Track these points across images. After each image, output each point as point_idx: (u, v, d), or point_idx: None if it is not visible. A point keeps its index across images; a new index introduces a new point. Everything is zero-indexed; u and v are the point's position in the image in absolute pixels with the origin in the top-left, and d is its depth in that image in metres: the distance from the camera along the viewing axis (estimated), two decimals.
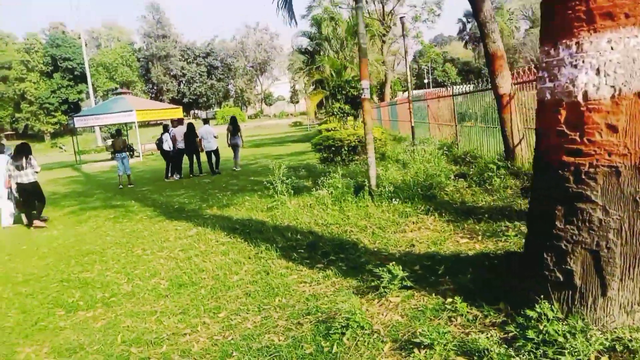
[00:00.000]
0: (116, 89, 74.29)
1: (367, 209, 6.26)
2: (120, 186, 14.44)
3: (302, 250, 5.15)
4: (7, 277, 6.13)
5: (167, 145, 14.78)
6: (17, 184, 9.61)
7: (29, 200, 9.82)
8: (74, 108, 73.77)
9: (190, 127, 14.86)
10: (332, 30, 22.83)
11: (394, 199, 6.30)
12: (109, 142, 50.10)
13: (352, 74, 17.52)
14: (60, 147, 67.05)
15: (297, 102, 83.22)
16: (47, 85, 70.07)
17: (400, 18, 15.53)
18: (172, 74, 78.33)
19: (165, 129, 15.28)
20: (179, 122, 15.57)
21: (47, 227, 9.41)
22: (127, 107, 25.96)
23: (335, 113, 15.18)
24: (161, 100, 68.03)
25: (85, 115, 26.26)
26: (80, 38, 78.81)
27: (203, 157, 15.37)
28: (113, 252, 6.64)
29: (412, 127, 11.66)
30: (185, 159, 15.33)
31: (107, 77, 74.39)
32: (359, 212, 6.19)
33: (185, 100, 77.91)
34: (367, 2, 30.52)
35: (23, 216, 10.13)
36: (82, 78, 71.46)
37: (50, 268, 6.31)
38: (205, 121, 15.96)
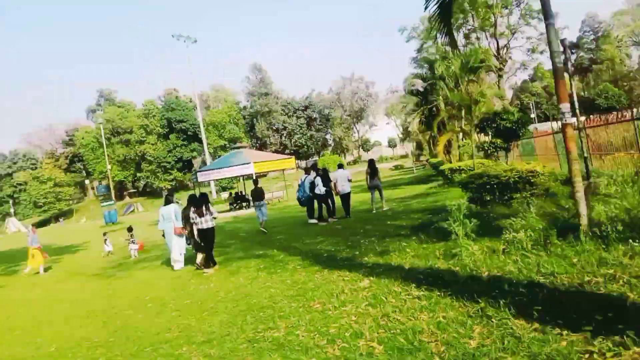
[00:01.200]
0: (224, 145, 79.10)
1: (595, 253, 5.15)
2: (263, 230, 15.04)
3: (540, 307, 4.17)
4: (187, 337, 5.79)
5: (319, 190, 14.72)
6: (198, 229, 10.33)
7: (208, 245, 10.39)
8: (187, 165, 79.41)
9: (325, 172, 14.98)
10: (445, 69, 22.08)
11: (631, 239, 5.09)
12: (223, 195, 53.01)
13: (483, 108, 16.54)
14: (177, 202, 71.81)
15: (395, 146, 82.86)
16: (163, 146, 76.18)
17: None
18: (274, 127, 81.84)
19: (317, 172, 15.23)
20: (314, 167, 15.53)
21: (203, 279, 9.31)
22: (245, 159, 26.88)
23: (486, 148, 14.16)
24: None
25: (207, 170, 27.59)
26: (191, 101, 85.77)
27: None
28: (288, 307, 6.11)
29: (586, 158, 10.22)
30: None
31: (216, 134, 79.29)
32: (586, 257, 5.09)
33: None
34: (478, 38, 29.81)
35: (199, 255, 10.59)
36: (194, 137, 77.02)
37: (228, 325, 5.89)
38: (340, 166, 15.85)
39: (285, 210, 24.36)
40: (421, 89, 25.05)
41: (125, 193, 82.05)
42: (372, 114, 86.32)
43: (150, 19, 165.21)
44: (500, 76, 30.57)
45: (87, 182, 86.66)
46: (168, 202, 11.68)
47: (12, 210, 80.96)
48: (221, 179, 38.20)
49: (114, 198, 52.23)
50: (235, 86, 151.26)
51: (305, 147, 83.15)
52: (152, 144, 75.69)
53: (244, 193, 32.86)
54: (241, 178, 32.38)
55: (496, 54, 30.99)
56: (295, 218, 18.77)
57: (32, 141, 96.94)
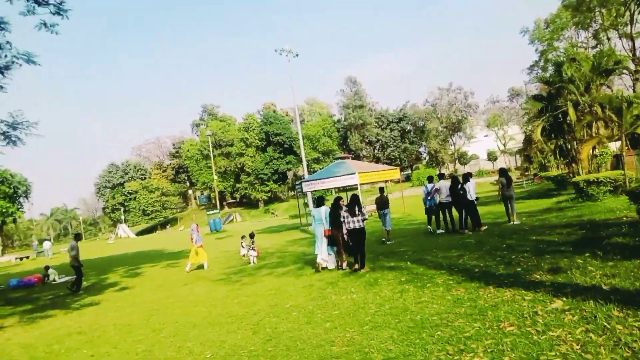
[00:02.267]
0: (318, 158, 79.95)
1: None
2: (383, 239, 14.82)
3: None
4: (359, 352, 5.15)
5: (469, 195, 13.93)
6: (348, 229, 10.50)
7: (358, 244, 10.40)
8: (282, 177, 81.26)
9: (455, 180, 14.13)
10: (575, 71, 20.08)
11: None
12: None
13: (636, 111, 14.59)
14: (272, 213, 73.51)
15: (495, 159, 78.56)
16: (261, 158, 78.54)
17: None
18: (367, 140, 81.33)
19: (466, 178, 14.39)
20: (468, 176, 14.61)
21: (340, 289, 8.73)
22: (350, 170, 26.42)
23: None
24: None
25: (312, 180, 27.47)
26: (287, 115, 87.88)
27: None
28: (470, 327, 5.27)
29: None
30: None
31: (310, 147, 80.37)
32: None
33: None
34: (608, 38, 27.09)
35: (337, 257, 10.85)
36: (289, 150, 78.70)
37: (402, 343, 5.17)
38: (468, 175, 14.79)
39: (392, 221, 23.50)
40: (544, 94, 23.09)
41: (224, 203, 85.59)
42: (470, 125, 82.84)
43: (247, 36, 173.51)
44: (636, 79, 27.44)
45: (190, 192, 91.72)
46: (320, 204, 11.68)
47: (122, 217, 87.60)
48: (323, 190, 37.95)
49: (218, 207, 54.23)
50: (329, 99, 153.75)
51: (399, 159, 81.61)
52: (251, 157, 78.37)
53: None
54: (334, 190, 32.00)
55: (632, 55, 27.90)
56: (408, 230, 17.89)
57: (142, 153, 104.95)
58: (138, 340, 7.47)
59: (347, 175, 26.17)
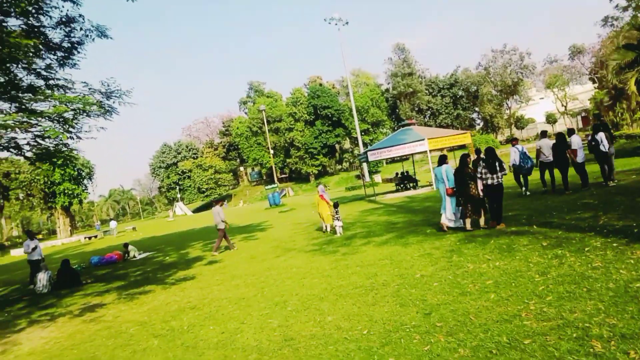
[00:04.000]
0: (367, 130, 78.46)
1: None
2: None
3: None
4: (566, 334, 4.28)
5: (603, 147, 12.74)
6: (485, 185, 10.07)
7: (496, 201, 10.14)
8: (331, 151, 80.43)
9: (561, 137, 12.80)
10: None
11: None
12: (377, 177, 52.31)
13: None
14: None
15: (555, 121, 74.59)
16: (310, 132, 77.79)
17: None
18: (418, 108, 78.98)
19: (596, 128, 13.14)
20: (598, 127, 13.35)
21: (470, 257, 7.83)
22: (418, 136, 25.23)
23: None
24: None
25: (378, 149, 26.41)
26: (334, 87, 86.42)
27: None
28: None
29: None
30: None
31: (359, 119, 78.84)
32: None
33: None
34: None
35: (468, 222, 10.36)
36: (338, 123, 77.52)
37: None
38: (571, 131, 13.44)
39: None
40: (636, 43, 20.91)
41: (275, 178, 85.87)
42: (526, 88, 78.71)
43: (291, 9, 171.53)
44: None
45: (241, 168, 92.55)
46: (441, 162, 11.06)
47: (178, 195, 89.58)
48: (389, 158, 36.75)
49: (276, 181, 54.15)
50: (376, 69, 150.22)
51: (451, 127, 78.86)
52: (300, 131, 77.75)
53: (408, 173, 31.29)
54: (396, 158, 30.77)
55: None
56: None
57: (192, 133, 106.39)
58: (265, 314, 6.87)
59: (415, 142, 25.03)
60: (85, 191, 50.60)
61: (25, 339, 8.22)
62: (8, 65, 7.37)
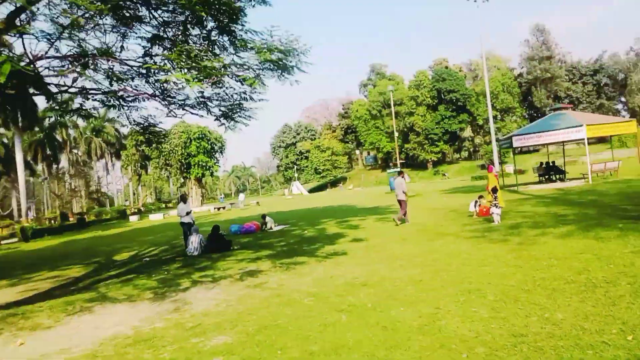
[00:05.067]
0: (495, 117, 73.60)
1: None
2: None
3: None
4: None
5: None
6: None
7: None
8: (453, 137, 76.88)
9: None
10: None
11: None
12: (507, 168, 48.67)
13: None
14: (443, 175, 70.29)
15: None
16: (432, 117, 75.01)
17: None
18: (554, 96, 72.32)
19: None
20: None
21: None
22: (574, 122, 22.46)
23: None
24: None
25: (525, 134, 24.07)
26: (461, 70, 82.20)
27: None
28: None
29: None
30: None
31: (487, 105, 74.31)
32: None
33: None
34: None
35: None
36: (462, 108, 73.72)
37: None
38: None
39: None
40: None
41: (390, 163, 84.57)
42: None
43: None
44: None
45: (357, 152, 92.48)
46: None
47: (295, 175, 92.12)
48: (540, 145, 33.54)
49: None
50: (507, 52, 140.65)
51: None
52: (421, 116, 75.33)
53: (555, 163, 28.31)
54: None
55: None
56: None
57: (310, 115, 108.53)
58: (462, 301, 5.99)
59: (570, 128, 22.31)
60: (216, 164, 53.77)
61: (193, 299, 8.22)
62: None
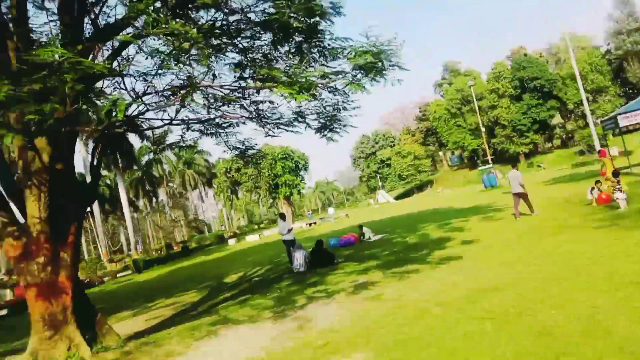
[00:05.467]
0: (587, 99, 68.28)
1: None
2: None
3: None
4: None
5: None
6: None
7: None
8: (543, 127, 72.32)
9: None
10: None
11: None
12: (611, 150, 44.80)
13: None
14: (539, 166, 66.18)
15: None
16: (517, 108, 71.22)
17: None
18: None
19: None
20: None
21: None
22: None
23: None
24: None
25: (633, 111, 21.78)
26: (541, 56, 77.54)
27: None
28: None
29: None
30: None
31: (575, 88, 69.22)
32: None
33: None
34: None
35: None
36: (549, 95, 69.30)
37: None
38: None
39: None
40: None
41: (478, 161, 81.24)
42: None
43: None
44: None
45: (440, 153, 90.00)
46: None
47: (379, 183, 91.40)
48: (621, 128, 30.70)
49: (490, 162, 50.79)
50: (592, 31, 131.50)
51: None
52: (505, 108, 71.73)
53: None
54: None
55: None
56: None
57: (388, 122, 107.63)
58: (622, 297, 5.29)
59: None
60: (302, 182, 54.73)
61: (313, 315, 8.10)
62: None
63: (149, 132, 50.49)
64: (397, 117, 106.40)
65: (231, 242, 46.58)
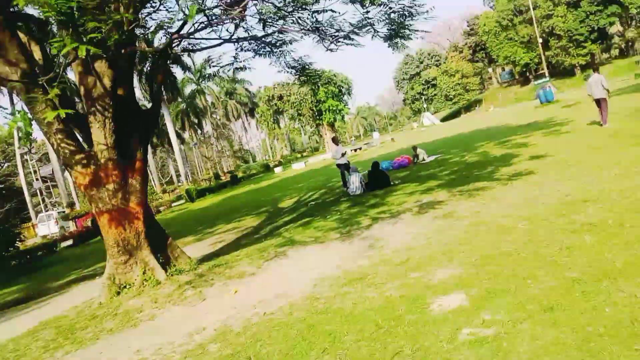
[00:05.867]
0: None
1: None
2: None
3: None
4: None
5: None
6: None
7: None
8: (602, 35, 66.95)
9: None
10: None
11: None
12: None
13: None
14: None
15: None
16: (573, 17, 65.79)
17: None
18: None
19: None
20: None
21: None
22: None
23: None
24: None
25: None
26: None
27: None
28: None
29: None
30: None
31: None
32: None
33: None
34: None
35: None
36: (609, 0, 63.37)
37: None
38: None
39: None
40: None
41: (530, 76, 77.02)
42: None
43: None
44: None
45: (489, 70, 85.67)
46: None
47: (424, 105, 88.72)
48: None
49: (547, 75, 47.88)
50: None
51: None
52: (561, 17, 66.39)
53: None
54: None
55: None
56: None
57: (432, 39, 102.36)
58: None
59: None
60: (346, 107, 53.67)
61: (383, 235, 7.92)
62: None
63: (189, 63, 50.25)
64: (442, 34, 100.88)
65: (277, 170, 47.05)
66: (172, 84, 44.78)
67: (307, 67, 10.20)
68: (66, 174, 35.58)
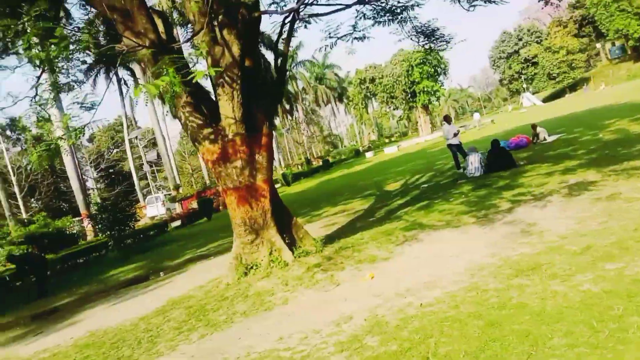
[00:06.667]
0: None
1: None
2: None
3: None
4: None
5: None
6: None
7: None
8: None
9: None
10: None
11: None
12: None
13: None
14: None
15: None
16: None
17: None
18: None
19: None
20: None
21: None
22: None
23: None
24: None
25: None
26: None
27: None
28: None
29: None
30: None
31: None
32: None
33: None
34: None
35: None
36: None
37: None
38: None
39: None
40: None
41: None
42: None
43: None
44: None
45: (597, 45, 78.05)
46: None
47: (523, 85, 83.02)
48: None
49: None
50: None
51: None
52: None
53: None
54: None
55: None
56: None
57: (530, 15, 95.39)
58: None
59: None
60: (442, 87, 51.36)
61: (533, 219, 6.92)
62: None
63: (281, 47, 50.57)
64: (543, 9, 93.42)
65: (368, 155, 46.24)
66: (266, 69, 45.33)
67: (436, 30, 9.25)
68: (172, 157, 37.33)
